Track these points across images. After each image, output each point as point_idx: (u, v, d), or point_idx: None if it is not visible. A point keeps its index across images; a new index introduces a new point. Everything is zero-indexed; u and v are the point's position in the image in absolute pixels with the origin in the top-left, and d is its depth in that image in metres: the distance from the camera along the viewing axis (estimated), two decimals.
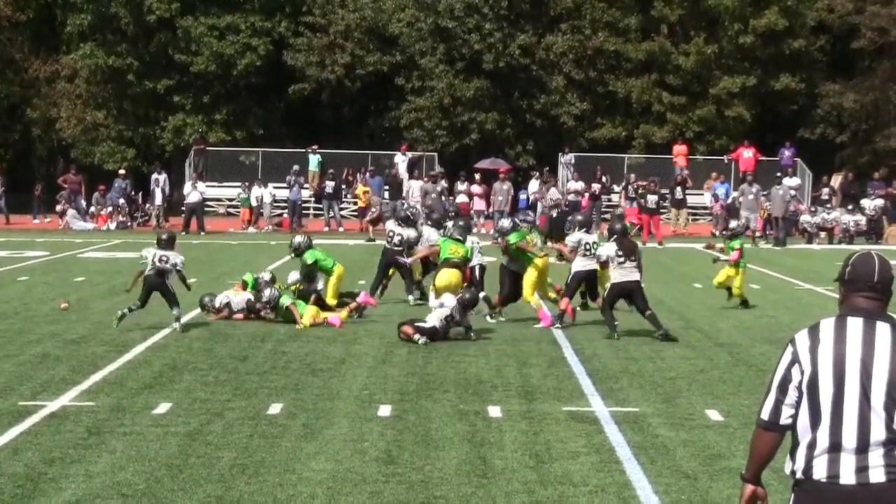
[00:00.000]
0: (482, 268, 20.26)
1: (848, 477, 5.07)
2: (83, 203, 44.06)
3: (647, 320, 17.28)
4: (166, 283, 17.60)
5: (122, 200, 43.64)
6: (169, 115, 52.20)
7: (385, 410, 12.28)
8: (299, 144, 49.05)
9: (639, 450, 10.66)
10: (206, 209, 43.40)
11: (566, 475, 9.81)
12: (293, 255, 19.97)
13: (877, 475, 5.06)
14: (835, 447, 5.09)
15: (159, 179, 43.76)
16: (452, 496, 9.21)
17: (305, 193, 45.34)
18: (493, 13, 50.70)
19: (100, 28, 51.91)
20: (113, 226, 42.39)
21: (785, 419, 5.24)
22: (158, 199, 43.34)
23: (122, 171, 46.16)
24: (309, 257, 19.51)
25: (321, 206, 45.17)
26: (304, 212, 44.94)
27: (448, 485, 9.50)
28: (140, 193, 45.36)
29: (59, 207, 43.45)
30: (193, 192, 41.29)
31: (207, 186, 44.12)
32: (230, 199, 47.18)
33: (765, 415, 5.28)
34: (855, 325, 5.18)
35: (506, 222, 19.55)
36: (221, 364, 14.90)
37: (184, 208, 41.85)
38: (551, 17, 52.24)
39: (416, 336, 16.62)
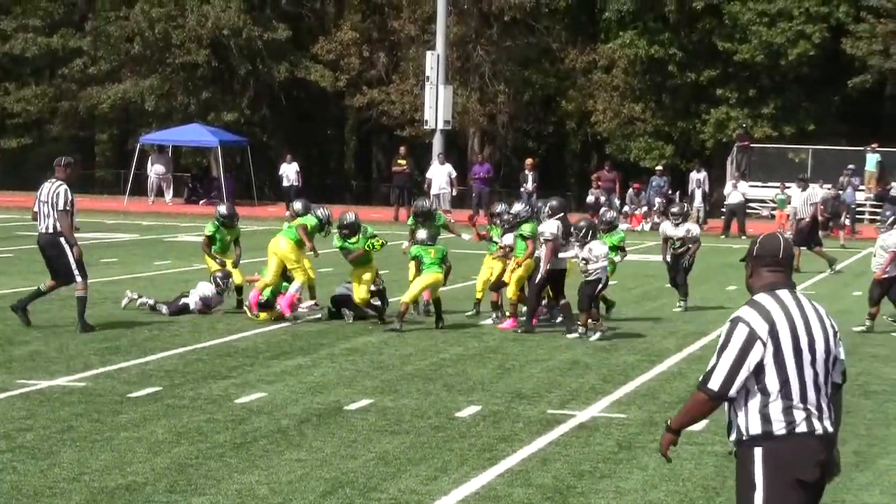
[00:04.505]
0: None
1: (819, 428, 6.32)
2: (617, 202, 45.03)
3: None
4: None
5: (658, 199, 44.25)
6: (711, 108, 52.44)
7: None
8: (856, 142, 47.91)
9: None
10: (749, 210, 43.26)
11: None
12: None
13: (829, 424, 6.37)
14: (805, 403, 6.28)
15: (699, 178, 44.05)
16: None
17: (861, 196, 44.22)
18: None
19: (641, 15, 52.89)
20: (647, 227, 43.04)
21: (734, 392, 6.31)
22: (698, 200, 43.62)
23: (659, 168, 46.83)
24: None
25: (879, 209, 43.90)
26: (857, 215, 43.86)
27: None
28: (678, 193, 45.84)
29: (589, 199, 44.63)
30: (734, 192, 41.25)
31: (750, 186, 43.96)
32: (773, 200, 46.78)
33: (715, 386, 6.30)
34: (786, 296, 6.40)
35: None
36: None
37: (724, 209, 41.89)
38: None
39: None
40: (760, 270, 6.48)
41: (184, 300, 19.27)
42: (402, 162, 45.45)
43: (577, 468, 10.56)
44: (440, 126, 46.38)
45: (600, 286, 17.74)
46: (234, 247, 20.21)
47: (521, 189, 44.52)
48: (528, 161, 45.91)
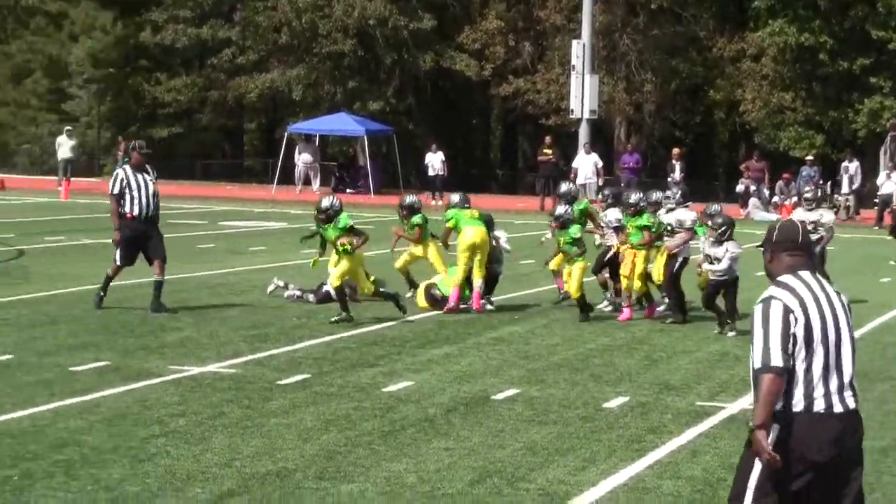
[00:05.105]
0: None
1: (838, 406, 6.45)
2: (766, 192, 44.45)
3: None
4: None
5: (808, 188, 43.54)
6: (864, 97, 51.46)
7: None
8: None
9: None
10: None
11: None
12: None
13: (853, 401, 6.50)
14: (826, 382, 6.43)
15: (849, 168, 43.31)
16: None
17: None
18: None
19: (791, 2, 52.08)
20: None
21: (790, 364, 6.40)
22: (845, 189, 42.94)
23: (809, 158, 46.11)
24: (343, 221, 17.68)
25: None
26: None
27: None
28: (829, 183, 45.08)
29: (739, 189, 44.18)
30: (888, 182, 40.49)
31: None
32: None
33: (779, 361, 6.35)
34: (808, 277, 6.58)
35: None
36: None
37: (876, 200, 41.09)
38: None
39: None
40: (780, 255, 6.69)
41: (325, 287, 19.44)
42: (548, 151, 45.37)
43: (728, 461, 10.43)
44: (586, 115, 46.23)
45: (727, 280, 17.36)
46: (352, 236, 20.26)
47: (669, 179, 44.14)
48: (676, 151, 45.54)
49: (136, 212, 17.69)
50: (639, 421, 11.85)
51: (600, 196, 20.16)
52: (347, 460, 10.13)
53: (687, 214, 18.34)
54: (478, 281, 18.72)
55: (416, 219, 19.77)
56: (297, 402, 12.25)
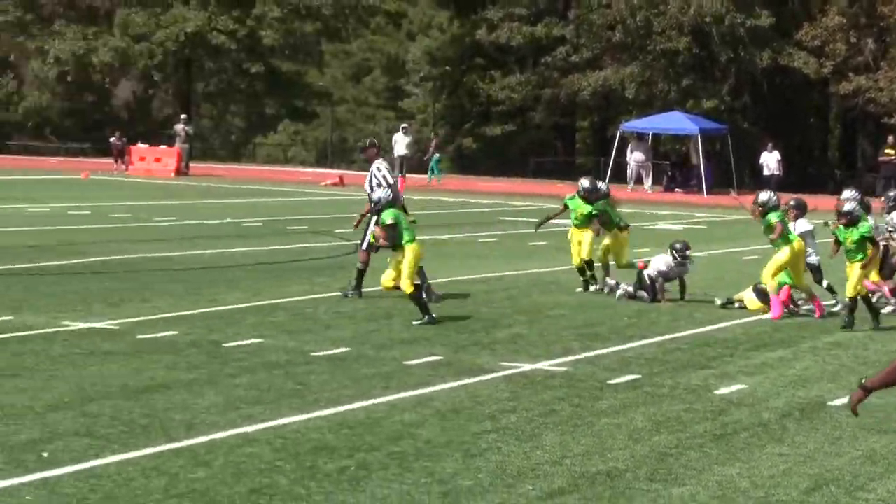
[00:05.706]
0: None
1: None
2: None
3: None
4: None
5: None
6: None
7: None
8: None
9: None
10: None
11: None
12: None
13: None
14: None
15: None
16: None
17: None
18: None
19: None
20: None
21: None
22: None
23: None
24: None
25: None
26: None
27: None
28: None
29: None
30: None
31: None
32: None
33: None
34: None
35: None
36: None
37: None
38: None
39: None
40: None
41: (646, 273, 19.42)
42: (890, 151, 44.03)
43: None
44: None
45: None
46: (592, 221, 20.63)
47: None
48: None
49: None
50: None
51: (883, 199, 19.48)
52: (679, 462, 10.04)
53: None
54: (808, 288, 18.33)
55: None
56: (627, 402, 12.22)
